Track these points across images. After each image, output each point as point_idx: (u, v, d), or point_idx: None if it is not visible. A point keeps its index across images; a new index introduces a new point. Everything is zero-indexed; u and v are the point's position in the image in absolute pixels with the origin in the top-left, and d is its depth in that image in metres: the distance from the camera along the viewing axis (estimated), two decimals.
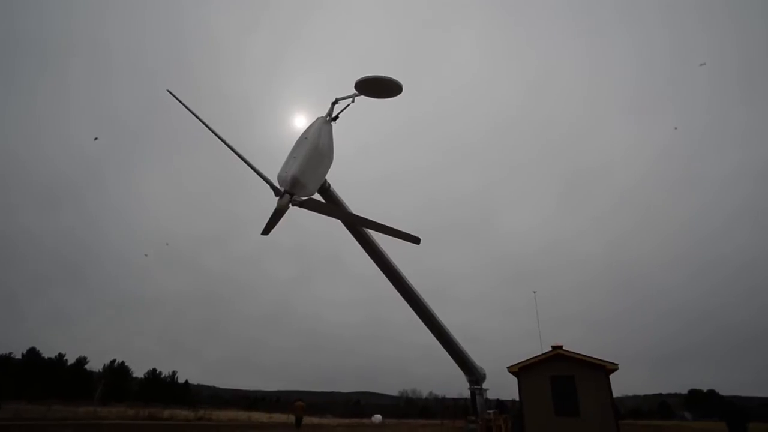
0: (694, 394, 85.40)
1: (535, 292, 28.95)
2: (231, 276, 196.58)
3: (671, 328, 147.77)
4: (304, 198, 6.91)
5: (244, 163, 7.73)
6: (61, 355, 69.38)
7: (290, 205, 6.77)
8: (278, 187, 6.81)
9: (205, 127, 7.59)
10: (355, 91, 7.86)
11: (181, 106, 7.69)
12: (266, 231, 8.48)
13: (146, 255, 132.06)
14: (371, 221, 7.83)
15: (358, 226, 9.32)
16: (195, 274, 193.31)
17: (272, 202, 7.80)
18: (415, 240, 7.79)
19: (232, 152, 7.56)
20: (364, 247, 11.76)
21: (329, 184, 9.22)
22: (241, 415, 51.82)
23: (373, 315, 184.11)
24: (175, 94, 7.73)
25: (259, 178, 7.53)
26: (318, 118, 7.78)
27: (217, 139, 7.68)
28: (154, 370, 79.19)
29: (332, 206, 8.81)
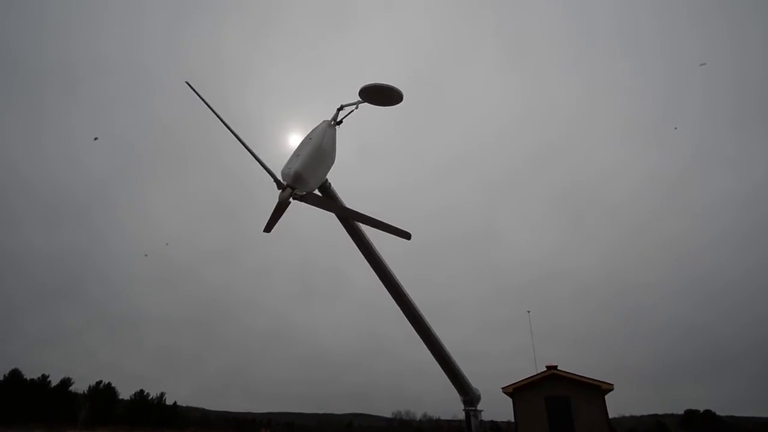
0: (690, 414, 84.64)
1: (529, 312, 28.91)
2: (228, 297, 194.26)
3: (668, 349, 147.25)
4: (304, 192, 7.24)
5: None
6: (44, 376, 67.42)
7: (291, 199, 7.09)
8: (281, 181, 7.09)
9: (218, 119, 7.78)
10: (359, 98, 8.28)
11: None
12: (268, 228, 8.76)
13: (146, 255, 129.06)
14: (364, 215, 8.14)
15: (351, 219, 9.49)
16: (191, 295, 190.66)
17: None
18: (406, 235, 8.02)
19: (242, 145, 7.75)
20: (357, 245, 11.90)
21: (329, 183, 9.55)
22: None
23: (370, 336, 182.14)
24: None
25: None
26: (323, 121, 8.15)
27: (231, 133, 8.00)
28: (141, 391, 76.99)
29: (329, 200, 9.13)
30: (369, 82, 8.40)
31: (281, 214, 8.27)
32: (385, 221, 8.22)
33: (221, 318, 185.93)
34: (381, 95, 8.40)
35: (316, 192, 8.81)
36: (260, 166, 7.66)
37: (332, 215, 10.74)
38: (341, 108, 8.41)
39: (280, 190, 7.06)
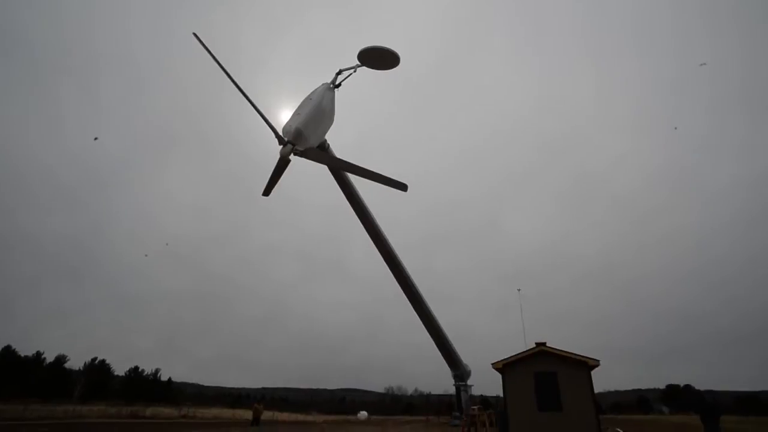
0: (671, 388, 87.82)
1: (519, 290, 29.36)
2: (230, 277, 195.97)
3: (652, 327, 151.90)
4: (304, 149, 7.53)
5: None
6: (38, 353, 67.59)
7: (292, 155, 7.38)
8: (283, 137, 7.35)
9: (225, 74, 7.77)
10: (357, 62, 8.67)
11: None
12: (267, 191, 8.95)
13: (146, 255, 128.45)
14: (357, 166, 8.20)
15: (348, 172, 9.60)
16: (195, 275, 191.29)
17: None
18: (402, 186, 8.08)
19: (246, 99, 7.79)
20: (351, 203, 12.04)
21: (328, 144, 9.73)
22: (225, 412, 51.39)
23: (368, 316, 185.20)
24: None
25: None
26: (323, 84, 8.48)
27: (236, 89, 8.00)
28: (136, 367, 77.79)
29: (325, 154, 9.38)
30: (367, 45, 8.63)
31: (281, 173, 8.42)
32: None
33: (223, 298, 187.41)
34: (378, 59, 8.66)
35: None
36: (264, 122, 7.75)
37: (340, 197, 10.90)
38: (340, 72, 8.89)
39: (282, 146, 7.31)
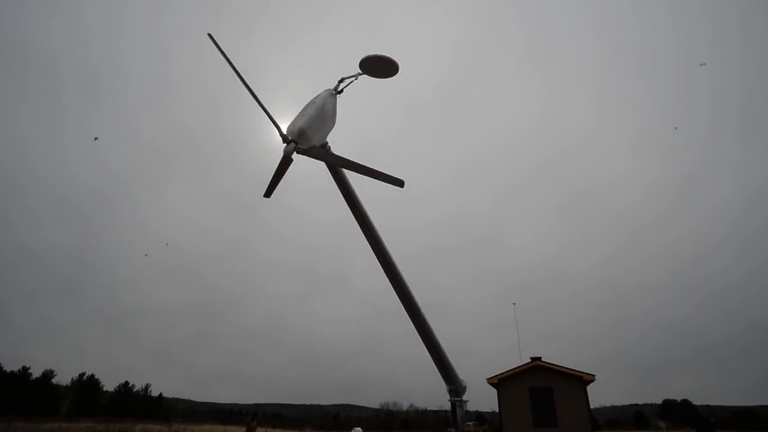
0: (668, 403, 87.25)
1: (515, 304, 29.24)
2: (225, 292, 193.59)
3: (649, 340, 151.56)
4: (306, 147, 7.80)
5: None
6: (25, 368, 66.04)
7: (295, 153, 7.70)
8: (287, 136, 7.65)
9: (235, 74, 7.93)
10: (359, 71, 9.09)
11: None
12: (268, 192, 9.15)
13: (146, 255, 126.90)
14: (355, 163, 8.41)
15: (348, 168, 9.73)
16: (189, 289, 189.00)
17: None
18: (399, 183, 8.25)
19: (254, 98, 7.91)
20: (349, 204, 12.17)
21: (329, 146, 10.03)
22: (218, 428, 50.32)
23: (363, 331, 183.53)
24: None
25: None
26: (325, 90, 8.83)
27: (246, 89, 8.05)
28: (126, 383, 76.16)
29: (326, 151, 9.47)
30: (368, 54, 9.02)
31: (284, 172, 8.61)
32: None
33: (218, 314, 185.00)
34: (379, 67, 9.04)
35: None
36: (270, 121, 7.87)
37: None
38: (342, 80, 9.30)
39: (285, 144, 7.59)
